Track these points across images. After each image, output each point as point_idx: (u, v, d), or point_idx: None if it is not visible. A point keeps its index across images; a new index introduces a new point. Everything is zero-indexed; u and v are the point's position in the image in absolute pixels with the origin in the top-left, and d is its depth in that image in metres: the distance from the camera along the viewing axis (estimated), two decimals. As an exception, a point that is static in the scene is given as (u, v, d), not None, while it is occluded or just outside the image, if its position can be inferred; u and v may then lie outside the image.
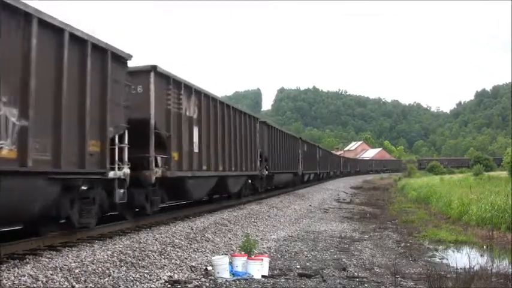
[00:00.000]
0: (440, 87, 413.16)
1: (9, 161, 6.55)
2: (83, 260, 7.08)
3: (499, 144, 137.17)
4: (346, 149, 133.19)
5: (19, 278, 5.97)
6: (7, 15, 6.57)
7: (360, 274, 8.20)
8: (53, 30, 7.52)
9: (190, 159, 12.76)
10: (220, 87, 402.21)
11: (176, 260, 8.16)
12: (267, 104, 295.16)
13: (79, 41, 8.18)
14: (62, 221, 8.59)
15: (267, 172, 21.71)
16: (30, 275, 6.10)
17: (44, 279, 6.06)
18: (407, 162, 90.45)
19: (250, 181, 19.79)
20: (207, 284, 6.93)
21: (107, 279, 6.54)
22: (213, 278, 7.28)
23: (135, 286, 6.51)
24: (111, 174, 9.13)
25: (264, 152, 21.34)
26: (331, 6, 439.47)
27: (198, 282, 7.02)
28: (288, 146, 27.35)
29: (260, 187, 21.43)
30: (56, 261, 6.89)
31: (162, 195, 11.85)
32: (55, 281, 6.10)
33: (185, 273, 7.51)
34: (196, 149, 13.20)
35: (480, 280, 7.08)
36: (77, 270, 6.56)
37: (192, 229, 10.99)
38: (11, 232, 8.53)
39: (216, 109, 15.02)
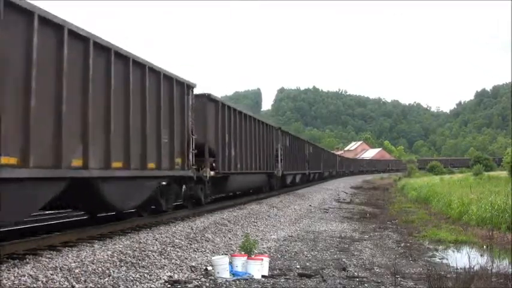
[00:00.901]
0: (440, 87, 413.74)
1: None
2: (83, 260, 7.08)
3: (499, 144, 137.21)
4: (346, 149, 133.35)
5: (19, 278, 5.97)
6: None
7: (360, 274, 8.20)
8: None
9: None
10: (220, 87, 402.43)
11: (176, 260, 8.16)
12: (267, 104, 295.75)
13: None
14: None
15: (212, 173, 14.65)
16: (30, 275, 6.10)
17: (44, 279, 6.06)
18: (407, 162, 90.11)
19: (185, 187, 13.33)
20: (207, 284, 6.94)
21: (107, 279, 6.54)
22: (213, 278, 7.28)
23: (135, 286, 6.51)
24: None
25: (207, 141, 14.50)
26: (331, 6, 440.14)
27: (198, 282, 7.02)
28: (258, 138, 20.52)
29: (203, 196, 14.54)
30: (56, 261, 6.89)
31: None
32: (55, 281, 6.10)
33: (185, 273, 7.52)
34: None
35: (480, 280, 7.08)
36: (77, 270, 6.56)
37: (192, 229, 10.99)
38: (11, 232, 8.53)
39: (62, 48, 7.73)
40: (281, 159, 25.07)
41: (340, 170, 62.08)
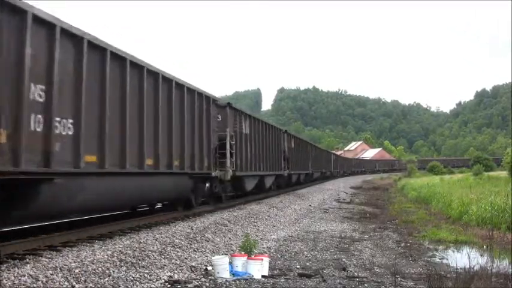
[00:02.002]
0: (440, 87, 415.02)
1: None
2: (83, 260, 7.08)
3: (499, 144, 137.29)
4: (346, 149, 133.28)
5: (19, 278, 5.97)
6: None
7: (360, 274, 8.19)
8: None
9: None
10: (220, 87, 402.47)
11: (176, 260, 8.16)
12: (267, 104, 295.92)
13: None
14: None
15: None
16: (30, 275, 6.09)
17: (44, 279, 6.06)
18: (407, 162, 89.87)
19: None
20: (207, 284, 6.93)
21: (107, 279, 6.54)
22: (213, 278, 7.28)
23: (135, 286, 6.51)
24: None
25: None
26: (331, 6, 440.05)
27: (198, 282, 7.02)
28: (168, 111, 11.49)
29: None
30: (56, 261, 6.89)
31: None
32: (55, 281, 6.10)
33: (185, 273, 7.51)
34: None
35: (480, 280, 7.07)
36: (77, 270, 6.56)
37: (192, 229, 10.99)
38: (11, 232, 8.52)
39: None
40: (231, 154, 16.19)
41: (335, 170, 55.29)
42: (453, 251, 11.54)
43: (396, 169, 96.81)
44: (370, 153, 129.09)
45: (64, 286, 6.02)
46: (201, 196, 14.67)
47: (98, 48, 8.73)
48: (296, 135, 33.47)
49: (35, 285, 5.86)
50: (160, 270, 7.39)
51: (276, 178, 24.65)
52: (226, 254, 8.55)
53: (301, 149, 32.46)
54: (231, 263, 7.51)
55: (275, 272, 8.02)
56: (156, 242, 9.13)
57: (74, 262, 6.92)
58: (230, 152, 16.12)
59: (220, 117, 15.79)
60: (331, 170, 51.28)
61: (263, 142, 21.18)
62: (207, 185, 14.83)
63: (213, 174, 14.78)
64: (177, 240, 9.57)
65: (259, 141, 20.56)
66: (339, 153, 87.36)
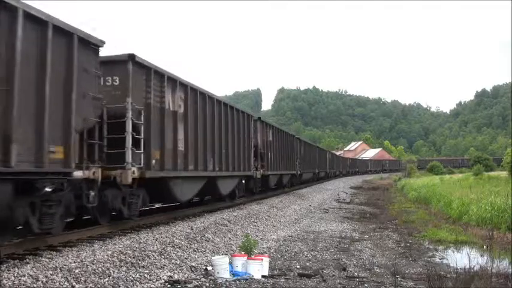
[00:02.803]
0: (440, 87, 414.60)
1: None
2: (83, 260, 7.08)
3: (499, 144, 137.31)
4: (346, 149, 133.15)
5: (19, 278, 5.97)
6: None
7: (360, 274, 8.19)
8: None
9: None
10: (220, 87, 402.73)
11: (176, 260, 8.16)
12: (267, 104, 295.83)
13: None
14: None
15: None
16: (30, 275, 6.10)
17: (44, 279, 6.06)
18: (407, 162, 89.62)
19: None
20: (207, 284, 6.94)
21: (107, 279, 6.54)
22: (213, 278, 7.28)
23: (135, 286, 6.51)
24: None
25: None
26: (331, 6, 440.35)
27: (198, 282, 7.02)
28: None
29: None
30: (56, 261, 6.89)
31: None
32: (55, 281, 6.10)
33: (185, 273, 7.52)
34: None
35: (480, 280, 7.08)
36: (77, 270, 6.56)
37: (192, 229, 10.99)
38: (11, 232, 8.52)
39: None
40: (137, 141, 10.15)
41: (331, 170, 50.14)
42: (453, 251, 11.54)
43: (387, 169, 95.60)
44: (370, 153, 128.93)
45: (64, 286, 6.02)
46: (62, 214, 8.24)
47: None
48: (277, 126, 26.07)
49: (35, 285, 5.86)
50: (160, 270, 7.39)
51: (245, 181, 18.82)
52: (226, 254, 8.55)
53: (284, 144, 26.19)
54: (231, 263, 7.52)
55: (275, 272, 8.03)
56: (156, 242, 9.13)
57: (74, 262, 6.92)
58: (135, 137, 9.98)
59: (117, 80, 9.99)
60: (326, 171, 46.01)
61: (215, 129, 14.84)
62: (93, 193, 8.92)
63: (75, 174, 8.28)
64: (177, 240, 9.57)
65: (207, 127, 14.12)
66: (338, 153, 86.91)
